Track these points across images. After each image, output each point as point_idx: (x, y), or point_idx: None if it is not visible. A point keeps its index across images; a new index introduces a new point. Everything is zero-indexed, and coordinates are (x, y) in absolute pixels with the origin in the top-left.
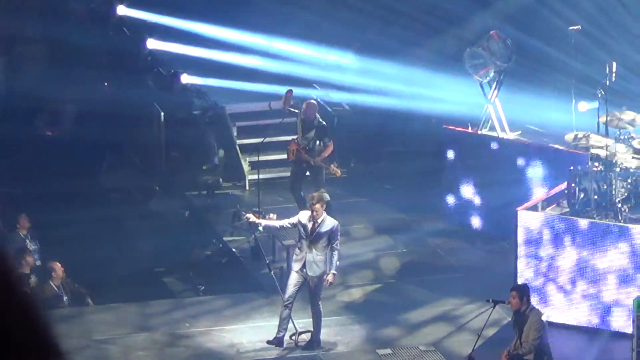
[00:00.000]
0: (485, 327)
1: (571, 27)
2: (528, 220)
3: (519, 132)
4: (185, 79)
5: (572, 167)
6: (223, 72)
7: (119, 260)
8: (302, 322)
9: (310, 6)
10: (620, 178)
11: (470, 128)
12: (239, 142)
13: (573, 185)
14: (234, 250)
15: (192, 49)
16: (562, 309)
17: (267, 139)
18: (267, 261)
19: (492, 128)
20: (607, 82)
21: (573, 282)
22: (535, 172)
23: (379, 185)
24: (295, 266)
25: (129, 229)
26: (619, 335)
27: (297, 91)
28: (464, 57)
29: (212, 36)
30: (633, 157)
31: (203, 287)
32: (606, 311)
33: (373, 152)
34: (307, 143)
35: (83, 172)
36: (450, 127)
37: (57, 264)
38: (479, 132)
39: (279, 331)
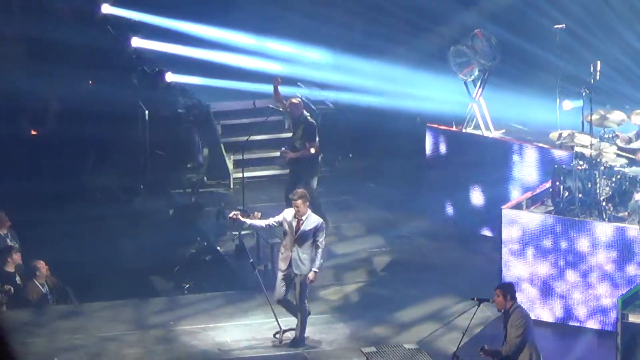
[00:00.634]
0: (470, 325)
1: (556, 26)
2: (513, 219)
3: (503, 130)
4: (170, 77)
5: (556, 166)
6: (207, 70)
7: (104, 259)
8: (287, 320)
9: (295, 5)
10: (604, 176)
11: (454, 127)
12: (223, 140)
13: (557, 183)
14: (218, 248)
15: (176, 47)
16: (547, 307)
17: (252, 138)
18: (251, 259)
19: (477, 127)
20: (592, 81)
21: (557, 280)
22: (520, 170)
23: (363, 183)
24: (282, 265)
25: (113, 227)
26: (604, 334)
27: (282, 89)
28: (449, 55)
29: (197, 35)
30: (617, 156)
31: (188, 286)
32: (591, 309)
33: (357, 151)
34: (297, 142)
35: (67, 171)
36: (435, 125)
37: (42, 262)
38: (463, 130)
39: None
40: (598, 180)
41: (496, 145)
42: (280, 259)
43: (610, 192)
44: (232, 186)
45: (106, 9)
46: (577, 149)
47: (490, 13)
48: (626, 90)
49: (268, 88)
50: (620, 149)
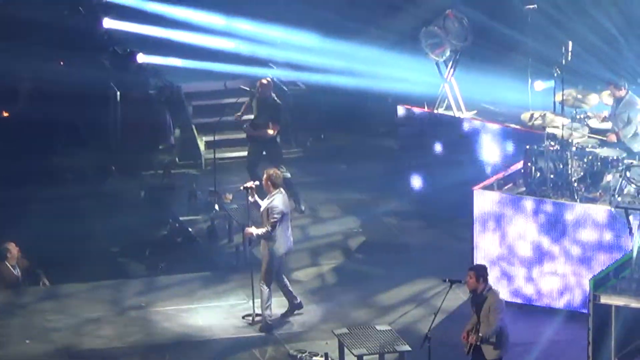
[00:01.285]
0: (441, 306)
1: (527, 6)
2: (484, 200)
3: (475, 111)
4: (142, 58)
5: (528, 146)
6: (179, 51)
7: (75, 240)
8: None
9: None
10: (576, 157)
11: (426, 107)
12: (194, 121)
13: (529, 164)
14: (190, 230)
15: (148, 28)
16: (518, 288)
17: (223, 119)
18: None
19: (448, 107)
20: (563, 61)
21: (529, 262)
22: (491, 151)
23: (335, 164)
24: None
25: (85, 209)
26: (576, 314)
27: (254, 70)
28: (420, 36)
29: (169, 15)
30: (589, 137)
31: (162, 266)
32: (562, 290)
33: (329, 132)
34: (260, 121)
35: (38, 151)
36: (406, 106)
37: (12, 244)
38: (435, 111)
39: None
40: (570, 161)
41: (468, 126)
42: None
43: (582, 173)
44: (203, 167)
45: None
46: (548, 129)
47: None
48: (597, 71)
49: (239, 69)
50: (592, 130)
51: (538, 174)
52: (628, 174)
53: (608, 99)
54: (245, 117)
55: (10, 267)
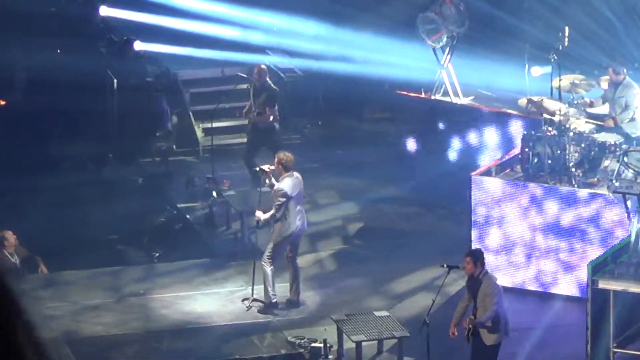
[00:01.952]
0: (439, 292)
1: None
2: (482, 185)
3: (472, 97)
4: (138, 45)
5: (525, 132)
6: (176, 38)
7: (73, 228)
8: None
9: None
10: (573, 142)
11: (423, 93)
12: (192, 108)
13: (527, 150)
14: (188, 217)
15: (145, 15)
16: (517, 273)
17: (220, 106)
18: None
19: (446, 93)
20: (560, 47)
21: (528, 247)
22: (489, 137)
23: (332, 151)
24: None
25: (82, 196)
26: (574, 300)
27: (250, 57)
28: (417, 22)
29: (165, 3)
30: (586, 122)
31: (158, 254)
32: (561, 275)
33: (326, 118)
34: (258, 108)
35: (35, 140)
36: (404, 92)
37: (9, 232)
38: (432, 97)
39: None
40: (567, 146)
41: (465, 112)
42: None
43: (579, 158)
44: (201, 154)
45: None
46: (546, 115)
47: None
48: (594, 57)
49: (236, 56)
50: (589, 114)
51: (535, 160)
52: (626, 159)
53: (605, 85)
54: (227, 104)
55: (8, 254)
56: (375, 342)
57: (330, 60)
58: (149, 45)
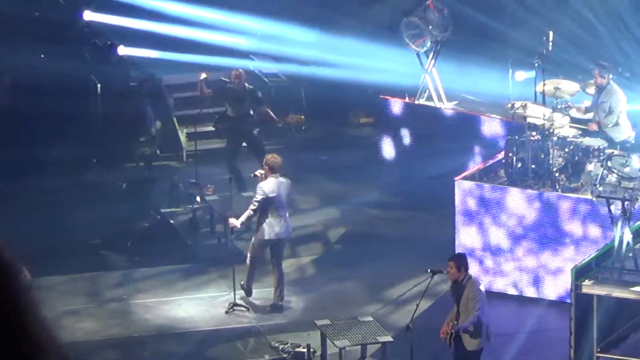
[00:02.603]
0: (423, 296)
1: None
2: (466, 190)
3: (456, 102)
4: (122, 50)
5: (509, 137)
6: (160, 43)
7: (56, 232)
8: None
9: None
10: (557, 147)
11: (407, 98)
12: (176, 113)
13: (510, 154)
14: (171, 221)
15: (129, 20)
16: (500, 277)
17: (204, 110)
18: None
19: (429, 98)
20: (544, 51)
21: (511, 251)
22: (473, 141)
23: (315, 155)
24: None
25: (66, 201)
26: (558, 304)
27: (234, 62)
28: (401, 27)
29: (149, 7)
30: (570, 126)
31: (137, 259)
32: (544, 280)
33: (310, 122)
34: (244, 112)
35: (19, 144)
36: (387, 97)
37: None
38: (416, 102)
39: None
40: (551, 151)
41: (449, 117)
42: None
43: (563, 163)
44: (185, 159)
45: None
46: (529, 119)
47: None
48: (578, 61)
49: (220, 60)
50: (573, 119)
51: (519, 164)
52: (609, 163)
53: (589, 89)
54: (210, 109)
55: None
56: (359, 347)
57: (314, 65)
58: (133, 50)
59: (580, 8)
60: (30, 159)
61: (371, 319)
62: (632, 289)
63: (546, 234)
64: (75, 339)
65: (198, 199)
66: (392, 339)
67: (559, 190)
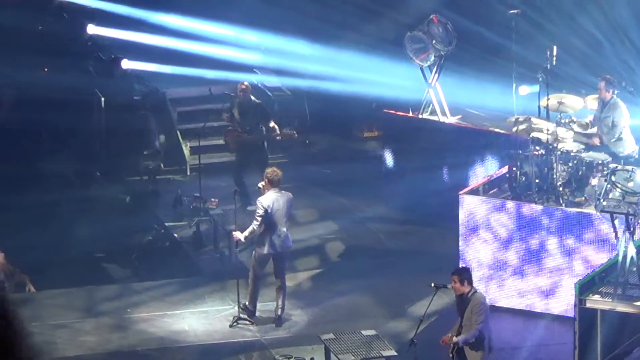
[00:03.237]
0: (427, 311)
1: (511, 11)
2: (470, 204)
3: (460, 116)
4: (126, 64)
5: (513, 151)
6: (164, 57)
7: (60, 246)
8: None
9: None
10: (561, 162)
11: (410, 112)
12: (179, 127)
13: (514, 169)
14: (175, 235)
15: (132, 34)
16: (504, 292)
17: (208, 124)
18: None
19: (433, 112)
20: (548, 66)
21: (515, 265)
22: (476, 156)
23: (319, 169)
24: None
25: (70, 214)
26: (561, 319)
27: (238, 76)
28: (405, 41)
29: (153, 21)
30: (574, 141)
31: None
32: (548, 295)
33: (313, 137)
34: (249, 126)
35: (23, 157)
36: (391, 111)
37: None
38: (420, 116)
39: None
40: (555, 165)
41: (452, 131)
42: None
43: (567, 177)
44: (188, 173)
45: None
46: (533, 134)
47: None
48: (582, 75)
49: (223, 75)
50: (576, 134)
51: (523, 179)
52: (613, 178)
53: (592, 104)
54: (215, 123)
55: None
56: None
57: (318, 79)
58: (137, 64)
59: (584, 23)
60: (34, 172)
61: (375, 333)
62: (636, 303)
63: (550, 248)
64: (79, 352)
65: (202, 212)
66: (396, 354)
67: (563, 204)
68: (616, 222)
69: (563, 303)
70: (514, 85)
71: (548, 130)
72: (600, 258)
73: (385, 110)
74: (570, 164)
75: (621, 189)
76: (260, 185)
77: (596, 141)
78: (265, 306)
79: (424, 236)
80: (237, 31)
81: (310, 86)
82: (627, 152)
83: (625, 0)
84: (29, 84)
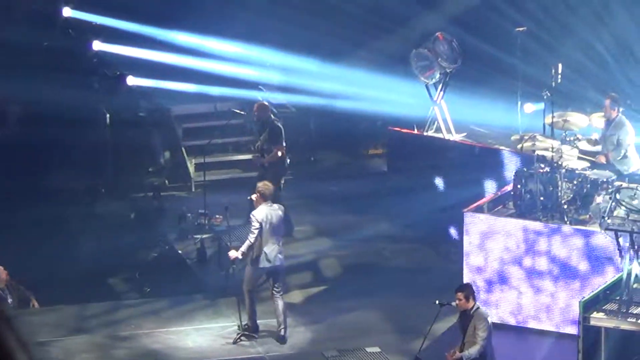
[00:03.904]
0: (431, 328)
1: (517, 29)
2: (474, 222)
3: (465, 133)
4: (131, 80)
5: (518, 169)
6: (169, 73)
7: (65, 262)
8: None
9: (255, 7)
10: (566, 179)
11: (416, 130)
12: (184, 143)
13: (519, 186)
14: (179, 252)
15: (138, 50)
16: (507, 309)
17: (213, 141)
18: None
19: (438, 130)
20: (553, 84)
21: (519, 283)
22: (481, 173)
23: (324, 186)
24: None
25: (75, 231)
26: (566, 336)
27: (243, 93)
28: (410, 58)
29: (159, 38)
30: (579, 158)
31: (149, 290)
32: (552, 312)
33: (319, 154)
34: (263, 145)
35: (28, 173)
36: (396, 128)
37: (0, 267)
38: (425, 133)
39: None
40: (559, 183)
41: (458, 148)
42: None
43: (572, 195)
44: (193, 189)
45: (67, 12)
46: (538, 151)
47: (452, 16)
48: (587, 93)
49: (229, 91)
50: (581, 152)
51: (528, 196)
52: (618, 196)
53: (597, 122)
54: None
55: None
56: None
57: (323, 96)
58: (142, 80)
59: (589, 40)
60: (39, 188)
61: (379, 349)
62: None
63: (554, 266)
64: None
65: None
66: None
67: (568, 222)
68: (620, 239)
69: (567, 321)
70: (519, 103)
71: (553, 148)
72: (604, 276)
73: (391, 128)
74: (575, 182)
75: (626, 207)
76: (253, 197)
77: (602, 159)
78: (269, 322)
79: (428, 253)
80: (243, 48)
81: (315, 103)
82: (631, 170)
83: (631, 17)
84: (35, 100)
